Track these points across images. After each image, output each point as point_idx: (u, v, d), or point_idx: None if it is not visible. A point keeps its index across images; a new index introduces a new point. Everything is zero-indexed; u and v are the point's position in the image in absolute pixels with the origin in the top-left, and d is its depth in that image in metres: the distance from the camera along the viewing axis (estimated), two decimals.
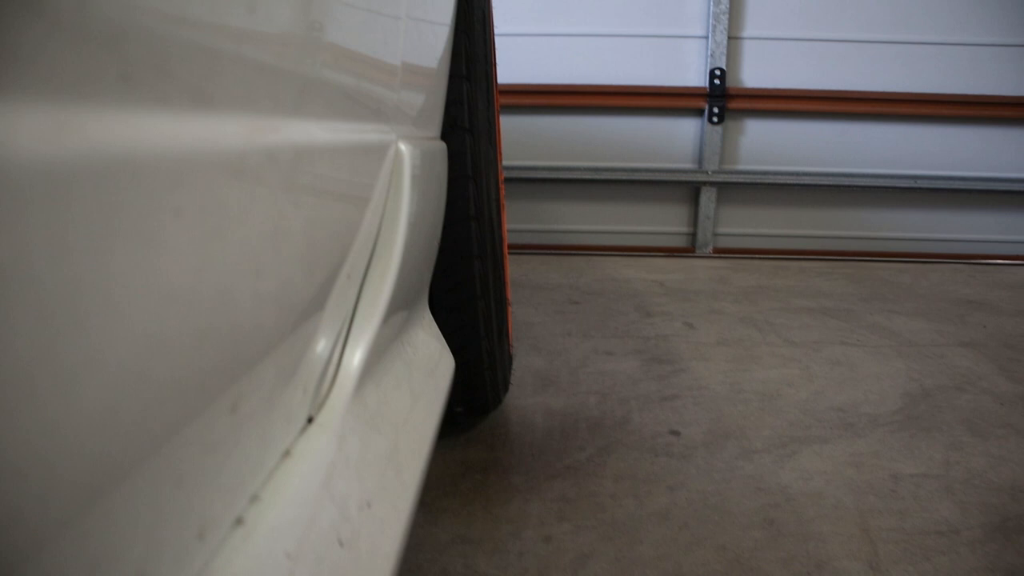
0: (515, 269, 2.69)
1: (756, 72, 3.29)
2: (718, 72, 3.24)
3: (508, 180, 3.20)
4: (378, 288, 0.58)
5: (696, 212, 3.42)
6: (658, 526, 0.93)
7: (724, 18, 3.19)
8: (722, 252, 3.44)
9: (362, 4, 0.51)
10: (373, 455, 0.52)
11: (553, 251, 3.33)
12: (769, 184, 3.36)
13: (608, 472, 1.07)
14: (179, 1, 0.27)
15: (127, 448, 0.26)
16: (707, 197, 3.37)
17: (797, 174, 3.35)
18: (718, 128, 3.28)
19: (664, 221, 3.47)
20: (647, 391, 1.41)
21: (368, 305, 0.57)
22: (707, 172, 3.32)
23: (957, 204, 3.42)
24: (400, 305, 0.66)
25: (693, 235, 3.46)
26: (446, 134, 0.92)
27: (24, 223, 0.19)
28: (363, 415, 0.53)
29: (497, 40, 1.30)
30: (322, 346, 0.48)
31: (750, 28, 3.26)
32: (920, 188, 3.35)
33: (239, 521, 0.35)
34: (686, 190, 3.43)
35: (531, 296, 2.29)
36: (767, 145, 3.35)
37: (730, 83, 3.28)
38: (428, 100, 0.77)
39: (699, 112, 3.31)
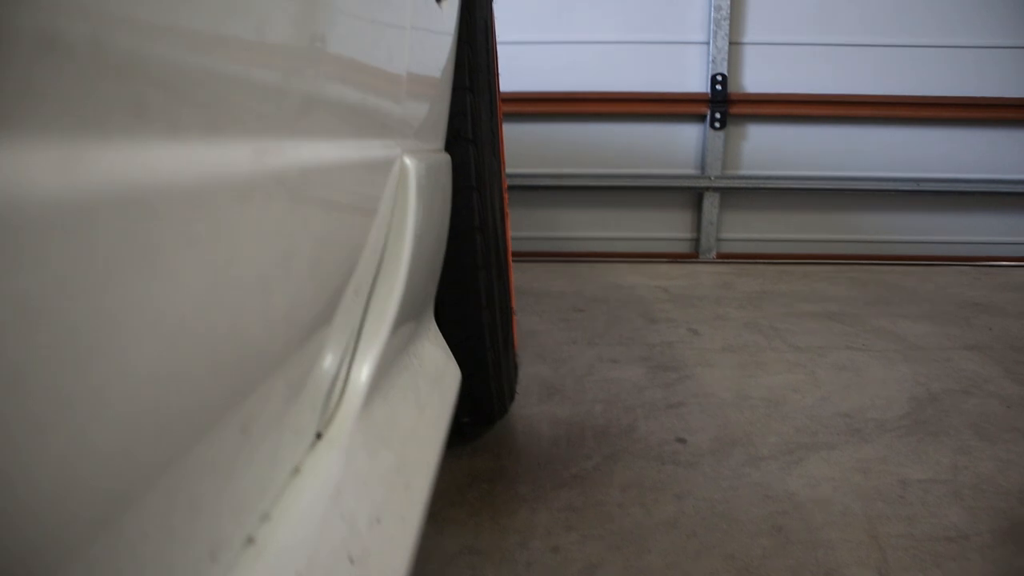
0: (519, 277, 2.69)
1: (758, 77, 3.29)
2: (720, 77, 3.24)
3: (511, 188, 3.20)
4: (385, 302, 0.58)
5: (699, 218, 3.42)
6: (666, 535, 0.93)
7: (725, 24, 3.19)
8: (726, 257, 3.43)
9: (367, 19, 0.52)
10: (381, 470, 0.52)
11: (557, 258, 3.33)
12: (772, 189, 3.36)
13: (615, 481, 1.07)
14: (183, 28, 0.27)
15: (139, 468, 0.26)
16: (710, 203, 3.37)
17: (800, 178, 3.35)
18: (720, 133, 3.28)
19: (667, 227, 3.47)
20: (653, 398, 1.41)
21: (375, 319, 0.57)
22: (710, 178, 3.32)
23: (961, 206, 3.41)
24: (406, 318, 0.67)
25: (696, 241, 3.46)
26: (450, 145, 0.92)
27: (40, 248, 0.19)
28: (371, 430, 0.53)
29: (499, 48, 1.31)
30: (330, 362, 0.48)
31: (751, 33, 3.26)
32: (924, 191, 3.35)
33: (250, 540, 0.35)
34: (689, 196, 3.43)
35: (535, 304, 2.29)
36: (770, 150, 3.35)
37: (732, 88, 3.28)
38: (432, 112, 0.78)
39: (701, 118, 3.31)
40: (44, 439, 0.21)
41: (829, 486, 1.05)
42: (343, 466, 0.46)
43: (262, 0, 0.33)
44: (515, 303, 1.46)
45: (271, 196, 0.35)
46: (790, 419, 1.31)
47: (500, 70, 1.31)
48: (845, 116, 3.29)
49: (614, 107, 3.29)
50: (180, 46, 0.27)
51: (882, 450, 1.18)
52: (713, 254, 3.43)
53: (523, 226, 3.38)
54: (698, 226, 3.44)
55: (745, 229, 3.47)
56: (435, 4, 0.75)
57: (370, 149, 0.53)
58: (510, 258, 1.28)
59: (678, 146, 3.37)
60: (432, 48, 0.76)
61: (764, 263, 3.27)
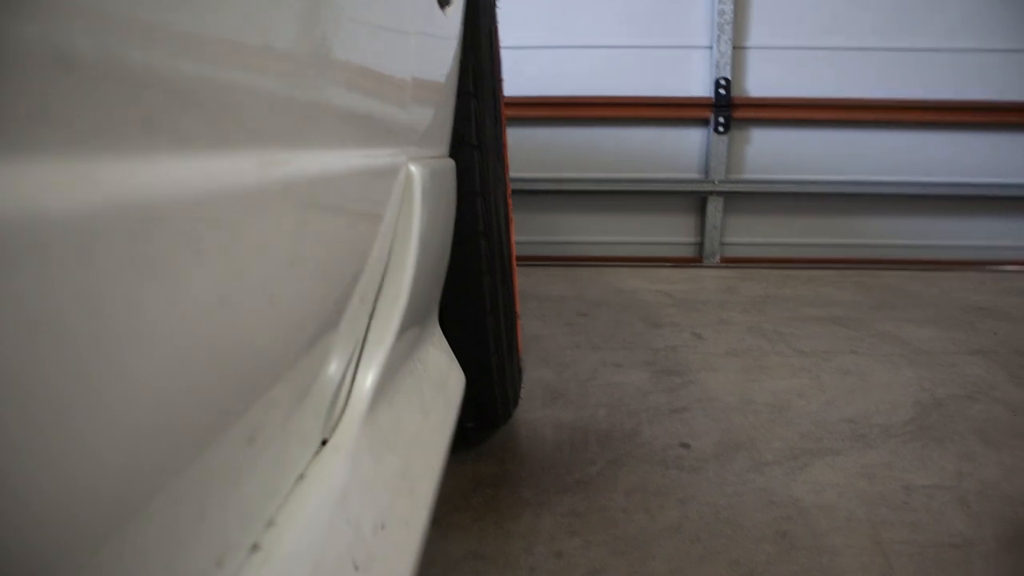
0: (523, 281, 2.69)
1: (761, 81, 3.29)
2: (723, 82, 3.24)
3: (515, 192, 3.20)
4: (390, 309, 0.58)
5: (703, 222, 3.42)
6: (670, 540, 0.93)
7: (728, 28, 3.20)
8: (729, 261, 3.43)
9: (373, 26, 0.52)
10: (386, 475, 0.52)
11: (560, 262, 3.33)
12: (776, 193, 3.36)
13: (619, 486, 1.07)
14: (190, 38, 0.27)
15: (145, 474, 0.26)
16: (714, 207, 3.37)
17: (804, 182, 3.35)
18: (724, 138, 3.29)
19: (671, 231, 3.48)
20: (656, 403, 1.41)
21: (380, 326, 0.57)
22: (713, 182, 3.33)
23: (966, 210, 3.41)
24: (411, 324, 0.67)
25: (700, 245, 3.46)
26: (454, 151, 0.92)
27: (50, 259, 0.20)
28: (376, 435, 0.53)
29: (503, 53, 1.31)
30: (335, 368, 0.49)
31: (754, 37, 3.26)
32: (928, 195, 3.35)
33: (256, 547, 0.35)
34: (692, 200, 3.43)
35: (539, 308, 2.30)
36: (773, 154, 3.35)
37: (735, 93, 3.28)
38: (437, 119, 0.78)
39: (705, 122, 3.32)
40: (52, 445, 0.21)
41: (834, 492, 1.05)
42: (348, 472, 0.46)
43: (269, 10, 0.33)
44: (519, 307, 1.46)
45: (278, 205, 0.35)
46: (794, 424, 1.31)
47: (504, 75, 1.32)
48: (849, 120, 3.29)
49: (618, 111, 3.30)
50: (187, 57, 0.27)
51: (887, 456, 1.18)
52: (717, 258, 3.43)
53: (527, 230, 3.39)
54: (702, 230, 3.44)
55: (749, 233, 3.47)
56: (439, 10, 0.76)
57: (376, 157, 0.53)
58: (514, 263, 1.28)
59: (682, 150, 3.37)
60: (437, 54, 0.76)
61: (768, 267, 3.27)
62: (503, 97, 1.23)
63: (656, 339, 1.91)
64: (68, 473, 0.22)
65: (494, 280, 1.02)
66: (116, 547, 0.25)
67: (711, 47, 3.25)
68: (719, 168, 3.31)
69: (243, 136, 0.32)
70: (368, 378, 0.54)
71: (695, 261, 3.44)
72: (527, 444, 1.22)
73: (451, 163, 0.88)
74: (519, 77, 3.16)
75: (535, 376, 1.57)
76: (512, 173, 3.16)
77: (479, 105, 0.97)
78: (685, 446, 1.21)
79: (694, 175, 3.39)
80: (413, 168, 0.63)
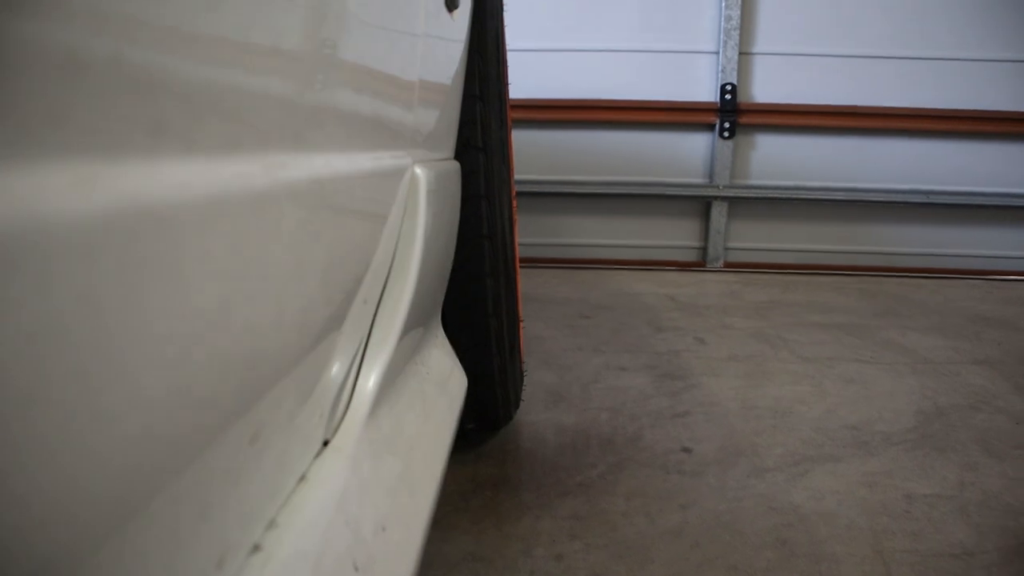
0: (526, 283, 2.69)
1: (767, 87, 3.29)
2: (729, 87, 3.24)
3: (520, 194, 3.21)
4: (393, 311, 0.58)
5: (707, 226, 3.42)
6: (670, 545, 0.93)
7: (735, 34, 3.20)
8: (733, 266, 3.43)
9: (381, 30, 0.52)
10: (387, 477, 0.52)
11: (564, 265, 3.34)
12: (780, 199, 3.36)
13: (620, 490, 1.07)
14: (197, 41, 0.27)
15: (148, 475, 0.27)
16: (718, 211, 3.37)
17: (809, 189, 3.34)
18: (729, 143, 3.28)
19: (675, 235, 3.47)
20: (658, 407, 1.41)
21: (383, 328, 0.57)
22: (718, 187, 3.32)
23: (972, 220, 3.40)
24: (414, 325, 0.67)
25: (704, 249, 3.45)
26: (459, 154, 0.93)
27: (56, 261, 0.20)
28: (378, 437, 0.54)
29: (510, 56, 1.31)
30: (338, 369, 0.49)
31: (761, 44, 3.26)
32: (934, 203, 3.34)
33: (257, 548, 0.35)
34: (697, 204, 3.43)
35: (542, 310, 2.30)
36: (778, 160, 3.35)
37: (741, 98, 3.28)
38: (443, 121, 0.78)
39: (710, 127, 3.31)
40: (56, 445, 0.21)
41: (834, 499, 1.05)
42: (349, 473, 0.47)
43: (276, 13, 0.34)
44: (522, 310, 1.46)
45: (284, 207, 0.35)
46: (796, 430, 1.31)
47: (510, 78, 1.32)
48: (855, 127, 3.28)
49: (623, 115, 3.30)
50: (195, 59, 0.27)
51: (888, 464, 1.17)
52: (720, 263, 3.43)
53: (531, 232, 3.39)
54: (706, 235, 3.44)
55: (753, 238, 3.46)
56: (447, 14, 0.76)
57: (382, 159, 0.53)
58: (518, 265, 1.28)
59: (687, 155, 3.37)
60: (444, 57, 0.77)
61: (772, 273, 3.27)
62: (509, 100, 1.23)
63: (659, 343, 1.91)
64: (71, 473, 0.22)
65: (497, 282, 1.03)
66: (118, 547, 0.25)
67: (718, 52, 3.25)
68: (724, 173, 3.31)
69: (250, 138, 0.32)
70: (371, 379, 0.54)
71: (699, 265, 3.44)
72: (528, 446, 1.22)
73: (456, 166, 0.88)
74: (526, 80, 3.16)
75: (537, 378, 1.57)
76: (517, 175, 3.17)
77: (485, 108, 0.97)
78: (686, 451, 1.21)
79: (699, 180, 3.39)
80: (418, 171, 0.63)
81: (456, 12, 0.80)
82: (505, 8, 1.19)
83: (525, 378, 1.55)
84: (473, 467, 1.13)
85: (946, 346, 1.93)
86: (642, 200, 3.41)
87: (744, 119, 3.27)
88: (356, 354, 0.53)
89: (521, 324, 1.32)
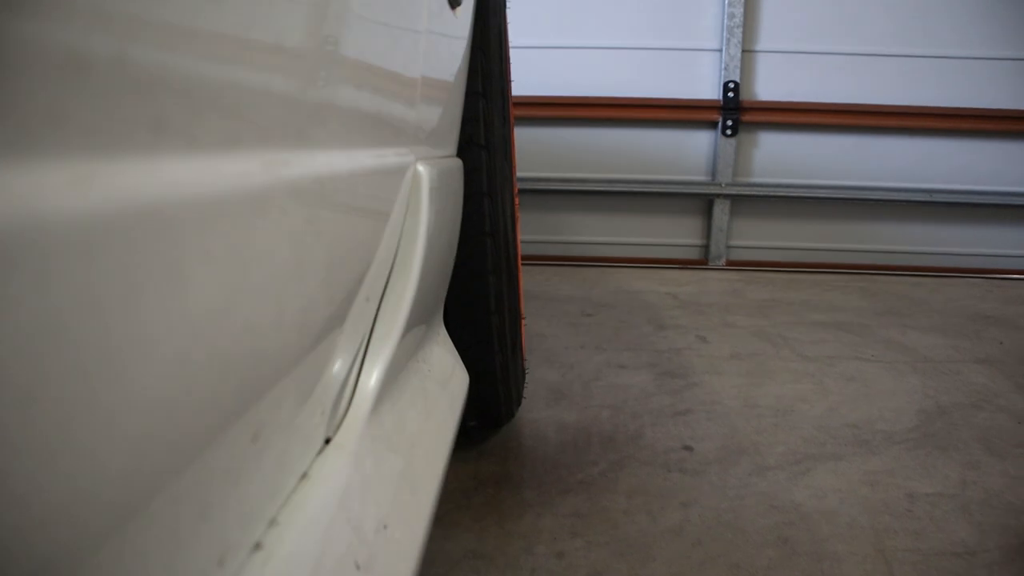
0: (528, 280, 2.69)
1: (770, 85, 3.28)
2: (732, 85, 3.24)
3: (523, 191, 3.21)
4: (396, 308, 0.58)
5: (709, 224, 3.41)
6: (671, 543, 0.93)
7: (738, 31, 3.19)
8: (735, 264, 3.43)
9: (384, 26, 0.52)
10: (389, 475, 0.52)
11: (566, 262, 3.33)
12: (783, 197, 3.35)
13: (621, 487, 1.07)
14: (199, 37, 0.27)
15: (149, 473, 0.27)
16: (720, 209, 3.37)
17: (811, 187, 3.34)
18: (732, 141, 3.28)
19: (677, 233, 3.47)
20: (660, 405, 1.41)
21: (385, 325, 0.57)
22: (720, 184, 3.32)
23: (974, 218, 3.40)
24: (416, 323, 0.67)
25: (706, 247, 3.45)
26: (462, 151, 0.92)
27: (55, 259, 0.20)
28: (379, 434, 0.53)
29: (512, 53, 1.31)
30: (340, 367, 0.49)
31: (764, 41, 3.26)
32: (936, 202, 3.33)
33: (258, 546, 0.35)
34: (699, 202, 3.42)
35: (544, 308, 2.29)
36: (781, 158, 3.34)
37: (744, 96, 3.27)
38: (445, 119, 0.78)
39: (713, 125, 3.31)
40: (57, 444, 0.21)
41: (836, 498, 1.05)
42: (351, 471, 0.47)
43: (277, 10, 0.33)
44: (524, 307, 1.46)
45: (286, 205, 0.35)
46: (797, 429, 1.31)
47: (512, 75, 1.32)
48: (857, 126, 3.28)
49: (626, 112, 3.29)
50: (196, 57, 0.27)
51: (890, 462, 1.17)
52: (723, 261, 3.42)
53: (533, 230, 3.39)
54: (708, 233, 3.43)
55: (755, 236, 3.46)
56: (449, 11, 0.76)
57: (384, 156, 0.53)
58: (520, 262, 1.28)
59: (689, 152, 3.37)
60: (446, 54, 0.76)
61: (774, 271, 3.26)
62: (511, 97, 1.23)
63: (661, 341, 1.90)
64: (72, 472, 0.22)
65: (499, 280, 1.02)
66: (119, 545, 0.25)
67: (720, 50, 3.25)
68: (726, 171, 3.30)
69: (252, 136, 0.32)
70: (372, 377, 0.54)
71: (701, 263, 3.44)
72: (530, 444, 1.22)
73: (459, 163, 0.88)
74: (528, 77, 3.16)
75: (539, 376, 1.57)
76: (520, 172, 3.17)
77: (487, 105, 0.97)
78: (688, 449, 1.21)
79: (701, 177, 3.38)
80: (421, 168, 0.63)
81: (459, 9, 0.80)
82: (508, 5, 1.19)
83: (527, 376, 1.55)
84: (475, 464, 1.13)
85: (947, 345, 1.93)
86: (644, 198, 3.40)
87: (747, 117, 3.26)
88: (358, 352, 0.53)
89: (523, 321, 1.32)
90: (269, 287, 0.33)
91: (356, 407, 0.52)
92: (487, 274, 0.99)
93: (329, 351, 0.45)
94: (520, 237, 1.34)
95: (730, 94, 3.24)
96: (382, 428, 0.55)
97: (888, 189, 3.33)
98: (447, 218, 0.76)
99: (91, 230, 0.21)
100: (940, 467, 1.16)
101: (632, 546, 0.92)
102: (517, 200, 1.33)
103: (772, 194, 3.34)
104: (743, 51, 3.23)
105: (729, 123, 3.25)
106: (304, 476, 0.43)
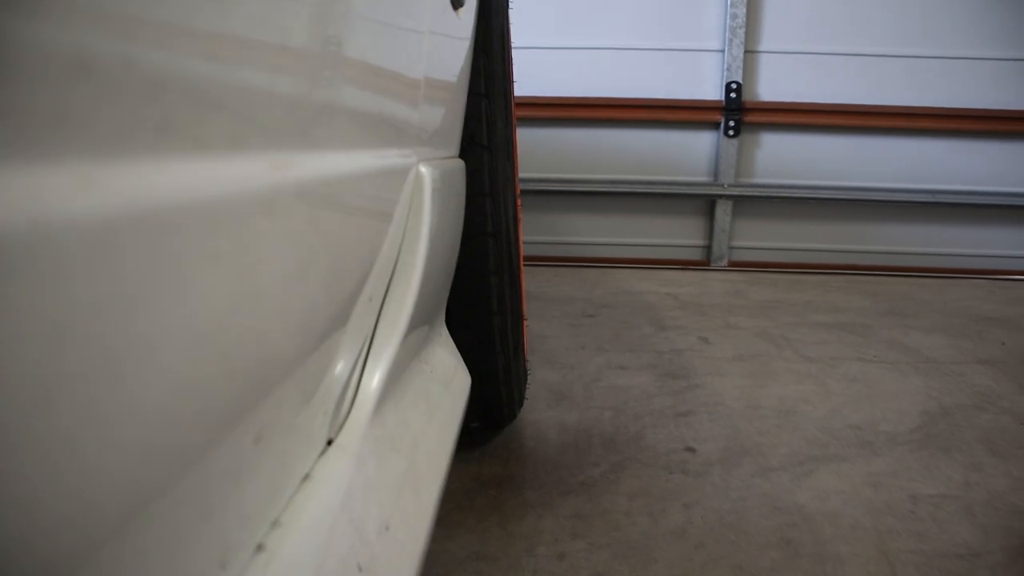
0: (529, 281, 2.69)
1: (773, 86, 3.28)
2: (734, 85, 3.23)
3: (525, 192, 3.21)
4: (398, 309, 0.58)
5: (711, 225, 3.41)
6: (673, 545, 0.92)
7: (741, 32, 3.19)
8: (737, 265, 3.42)
9: (387, 27, 0.52)
10: (391, 476, 0.52)
11: (568, 263, 3.33)
12: (785, 198, 3.35)
13: (622, 489, 1.07)
14: (204, 39, 0.27)
15: (151, 474, 0.26)
16: (723, 210, 3.36)
17: (814, 188, 3.33)
18: (734, 141, 3.28)
19: (679, 234, 3.47)
20: (662, 406, 1.41)
21: (388, 326, 0.57)
22: (723, 185, 3.32)
23: (977, 219, 3.39)
24: (419, 324, 0.67)
25: (708, 248, 3.45)
26: (464, 152, 0.92)
27: (60, 260, 0.20)
28: (382, 436, 0.53)
29: (515, 53, 1.31)
30: (342, 368, 0.49)
31: (767, 42, 3.25)
32: (939, 203, 3.33)
33: (260, 548, 0.35)
34: (701, 203, 3.42)
35: (545, 309, 2.29)
36: (783, 159, 3.34)
37: (746, 96, 3.27)
38: (448, 119, 0.78)
39: (715, 125, 3.31)
40: (59, 446, 0.21)
41: (839, 499, 1.05)
42: (353, 473, 0.46)
43: (280, 11, 0.33)
44: (526, 308, 1.46)
45: (289, 206, 0.35)
46: (800, 430, 1.31)
47: (515, 75, 1.32)
48: (861, 126, 3.27)
49: (628, 113, 3.29)
50: (199, 58, 0.27)
51: (893, 464, 1.17)
52: (725, 262, 3.42)
53: (535, 230, 3.39)
54: (710, 233, 3.43)
55: (757, 237, 3.46)
56: (452, 11, 0.75)
57: (387, 158, 0.53)
58: (522, 263, 1.28)
59: (691, 153, 3.36)
60: (449, 55, 0.76)
61: (776, 272, 3.26)
62: (514, 98, 1.23)
63: (662, 342, 1.90)
64: (75, 473, 0.22)
65: (501, 281, 1.02)
66: (121, 547, 0.25)
67: (723, 51, 3.24)
68: (728, 172, 3.30)
69: (255, 137, 0.32)
70: (375, 378, 0.54)
71: (703, 264, 3.44)
72: (531, 445, 1.22)
73: (461, 164, 0.88)
74: (530, 78, 3.16)
75: (540, 377, 1.57)
76: (522, 173, 3.17)
77: (490, 106, 0.96)
78: (690, 450, 1.21)
79: (703, 178, 3.38)
80: (423, 169, 0.63)
81: (462, 10, 0.80)
82: (511, 5, 1.18)
83: (529, 377, 1.55)
84: (477, 465, 1.13)
85: (950, 345, 1.93)
86: (646, 198, 3.40)
87: (749, 117, 3.26)
88: (360, 353, 0.53)
89: (525, 322, 1.32)
90: (271, 288, 0.33)
91: (358, 408, 0.52)
92: (489, 275, 0.99)
93: (332, 352, 0.45)
94: (522, 238, 1.34)
95: (732, 95, 3.24)
96: (384, 429, 0.54)
97: (890, 190, 3.33)
98: (449, 219, 0.76)
99: (94, 232, 0.21)
100: (943, 468, 1.16)
101: (634, 548, 0.92)
102: (519, 201, 1.33)
103: (774, 195, 3.34)
104: (745, 52, 3.23)
105: (731, 124, 3.25)
106: (306, 477, 0.43)
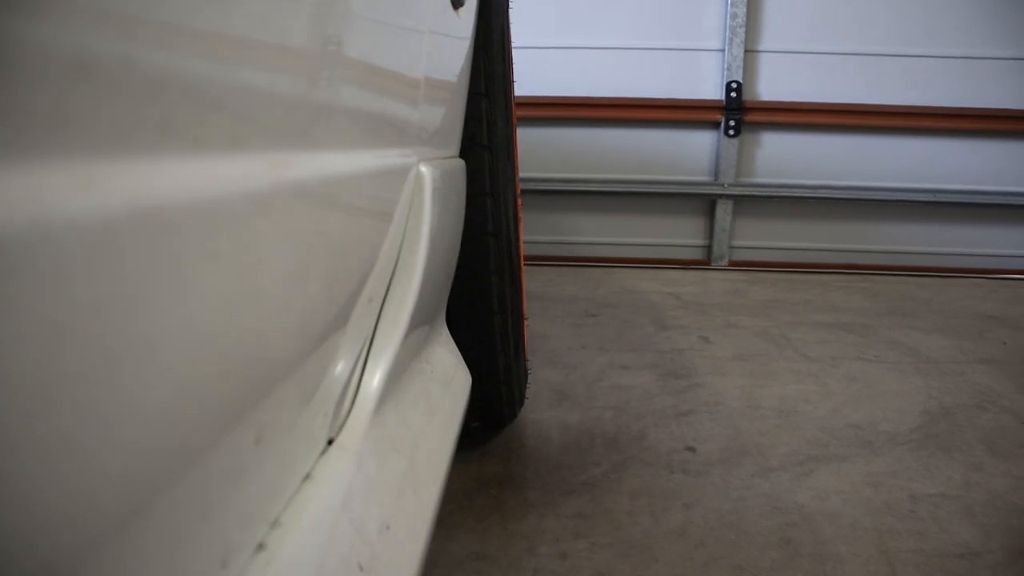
0: (531, 281, 2.69)
1: (773, 85, 3.28)
2: (735, 85, 3.23)
3: (525, 192, 3.20)
4: (398, 309, 0.58)
5: (712, 225, 3.41)
6: (674, 544, 0.92)
7: (741, 31, 3.19)
8: (738, 265, 3.42)
9: (387, 26, 0.52)
10: (392, 476, 0.52)
11: (569, 263, 3.33)
12: (786, 197, 3.35)
13: (624, 488, 1.07)
14: (204, 39, 0.27)
15: (151, 474, 0.27)
16: (723, 210, 3.36)
17: (814, 187, 3.33)
18: (734, 141, 3.28)
19: (680, 234, 3.47)
20: (663, 406, 1.41)
21: (388, 326, 0.57)
22: (723, 185, 3.32)
23: (977, 218, 3.39)
24: (419, 323, 0.67)
25: (709, 248, 3.45)
26: (465, 151, 0.92)
27: (60, 260, 0.20)
28: (382, 435, 0.53)
29: (515, 53, 1.31)
30: (343, 368, 0.49)
31: (767, 41, 3.25)
32: (940, 202, 3.33)
33: (261, 547, 0.35)
34: (702, 203, 3.42)
35: (547, 308, 2.29)
36: (784, 158, 3.34)
37: (746, 96, 3.27)
38: (448, 119, 0.78)
39: (715, 125, 3.31)
40: (59, 446, 0.21)
41: (839, 499, 1.05)
42: (354, 472, 0.46)
43: (280, 11, 0.33)
44: (526, 308, 1.46)
45: (290, 205, 0.35)
46: (801, 430, 1.31)
47: (515, 75, 1.32)
48: (861, 126, 3.27)
49: (628, 113, 3.29)
50: (199, 58, 0.27)
51: (893, 464, 1.17)
52: (725, 261, 3.42)
53: (535, 230, 3.39)
54: (711, 233, 3.43)
55: (758, 237, 3.46)
56: (452, 11, 0.76)
57: (387, 157, 0.53)
58: (522, 263, 1.28)
59: (692, 153, 3.36)
60: (449, 54, 0.76)
61: (777, 271, 3.26)
62: (514, 98, 1.23)
63: (663, 342, 1.90)
64: (76, 473, 0.22)
65: (502, 280, 1.02)
66: (122, 546, 0.25)
67: (723, 50, 3.24)
68: (729, 171, 3.30)
69: (255, 137, 0.32)
70: (375, 378, 0.54)
71: (703, 264, 3.44)
72: (533, 445, 1.22)
73: (461, 163, 0.88)
74: (531, 77, 3.16)
75: (542, 377, 1.57)
76: (523, 173, 3.16)
77: (490, 106, 0.96)
78: (691, 450, 1.21)
79: (704, 178, 3.38)
80: (424, 169, 0.63)
81: (462, 9, 0.80)
82: (511, 5, 1.18)
83: (530, 376, 1.55)
84: (478, 465, 1.13)
85: (950, 345, 1.93)
86: (647, 198, 3.40)
87: (749, 117, 3.26)
88: (361, 352, 0.53)
89: (525, 322, 1.32)
90: (272, 288, 0.33)
91: (359, 408, 0.52)
92: (490, 274, 0.99)
93: (332, 352, 0.45)
94: (523, 237, 1.34)
95: (733, 94, 3.24)
96: (385, 429, 0.54)
97: (891, 189, 3.33)
98: (450, 218, 0.76)
99: (94, 232, 0.21)
100: (943, 468, 1.16)
101: (635, 547, 0.92)
102: (520, 200, 1.33)
103: (775, 194, 3.34)
104: (746, 51, 3.23)
105: (732, 123, 3.25)
106: (307, 477, 0.43)
